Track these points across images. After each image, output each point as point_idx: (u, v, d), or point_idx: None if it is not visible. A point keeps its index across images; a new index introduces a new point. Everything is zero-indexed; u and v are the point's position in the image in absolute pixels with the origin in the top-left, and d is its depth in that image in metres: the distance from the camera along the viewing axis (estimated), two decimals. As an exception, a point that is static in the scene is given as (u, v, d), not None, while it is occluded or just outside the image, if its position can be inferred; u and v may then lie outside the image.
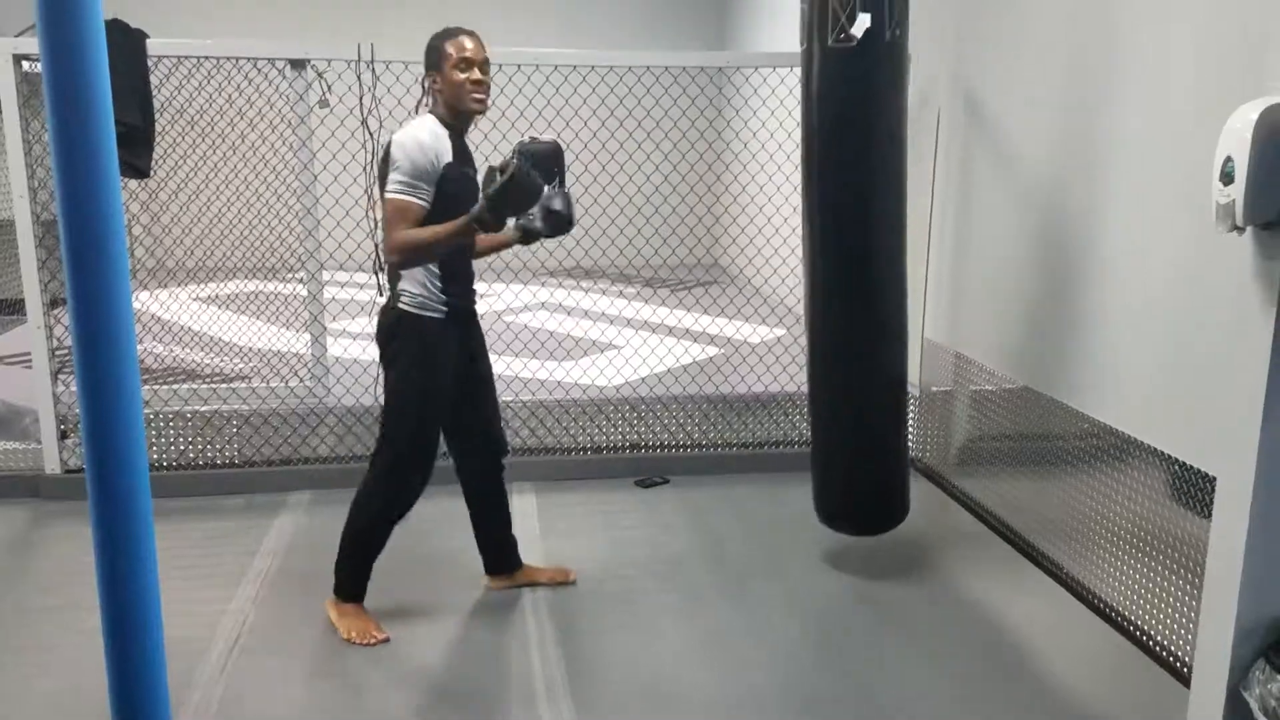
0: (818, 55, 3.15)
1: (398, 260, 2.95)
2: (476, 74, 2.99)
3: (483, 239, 3.16)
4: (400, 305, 3.06)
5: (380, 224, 3.09)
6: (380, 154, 3.06)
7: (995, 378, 4.05)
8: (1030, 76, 3.79)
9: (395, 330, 3.08)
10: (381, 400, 4.48)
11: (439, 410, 3.15)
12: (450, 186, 2.96)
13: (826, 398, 3.50)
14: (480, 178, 3.00)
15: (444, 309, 3.07)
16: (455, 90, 2.98)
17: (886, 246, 3.32)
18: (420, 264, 3.01)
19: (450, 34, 3.03)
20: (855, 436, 3.47)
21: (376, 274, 4.36)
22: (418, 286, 3.04)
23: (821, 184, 3.28)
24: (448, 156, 2.95)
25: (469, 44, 3.00)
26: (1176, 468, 2.93)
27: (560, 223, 3.00)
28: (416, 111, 3.09)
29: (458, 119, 3.04)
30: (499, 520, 3.47)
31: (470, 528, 3.47)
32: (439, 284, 3.06)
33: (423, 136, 2.91)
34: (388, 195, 2.89)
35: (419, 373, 3.08)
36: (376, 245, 4.28)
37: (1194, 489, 2.85)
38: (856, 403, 3.44)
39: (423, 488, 3.18)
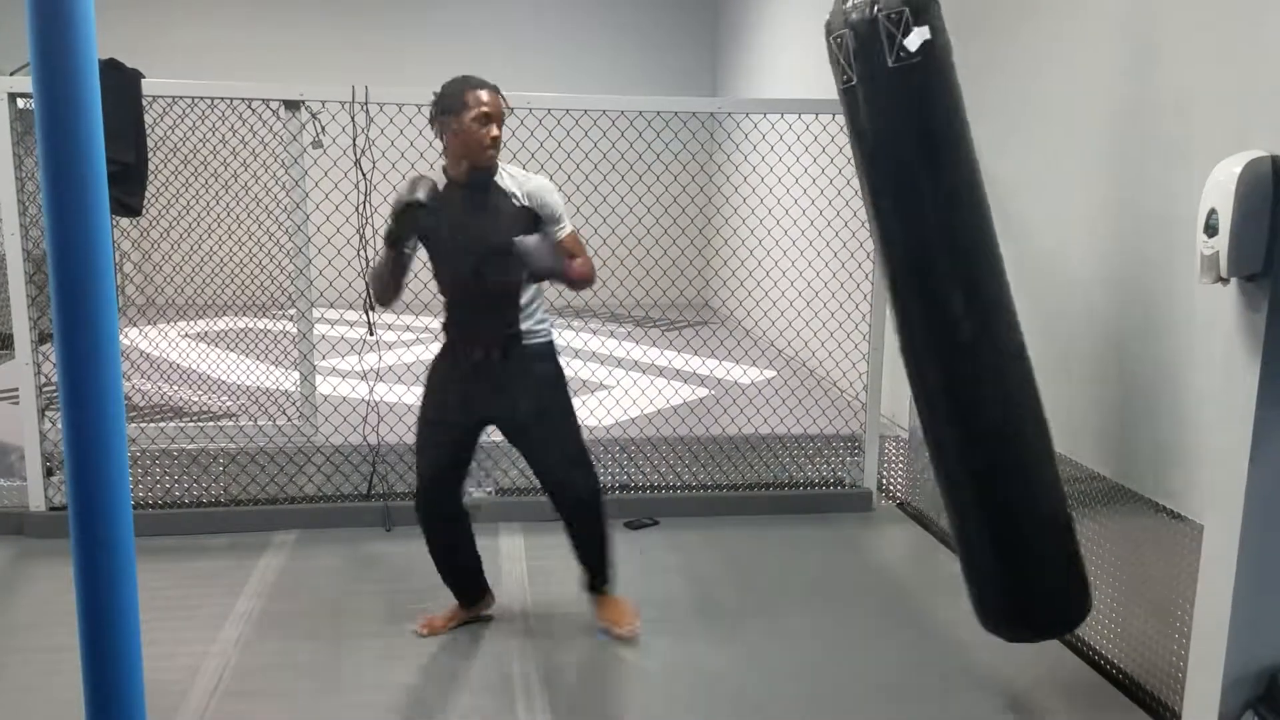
0: (878, 80, 2.76)
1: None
2: (495, 130, 2.98)
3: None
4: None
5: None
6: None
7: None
8: (1021, 125, 3.84)
9: None
10: (369, 440, 4.49)
11: (425, 439, 3.27)
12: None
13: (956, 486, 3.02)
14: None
15: (445, 340, 3.25)
16: (470, 141, 2.98)
17: (989, 275, 2.90)
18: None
19: (470, 83, 2.98)
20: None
21: (367, 312, 4.36)
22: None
23: (905, 224, 2.84)
24: None
25: (486, 97, 2.96)
26: (1165, 514, 2.93)
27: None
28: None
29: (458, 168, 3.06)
30: (581, 553, 3.45)
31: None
32: (446, 314, 3.24)
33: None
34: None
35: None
36: (367, 284, 4.29)
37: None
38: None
39: (427, 520, 3.29)
